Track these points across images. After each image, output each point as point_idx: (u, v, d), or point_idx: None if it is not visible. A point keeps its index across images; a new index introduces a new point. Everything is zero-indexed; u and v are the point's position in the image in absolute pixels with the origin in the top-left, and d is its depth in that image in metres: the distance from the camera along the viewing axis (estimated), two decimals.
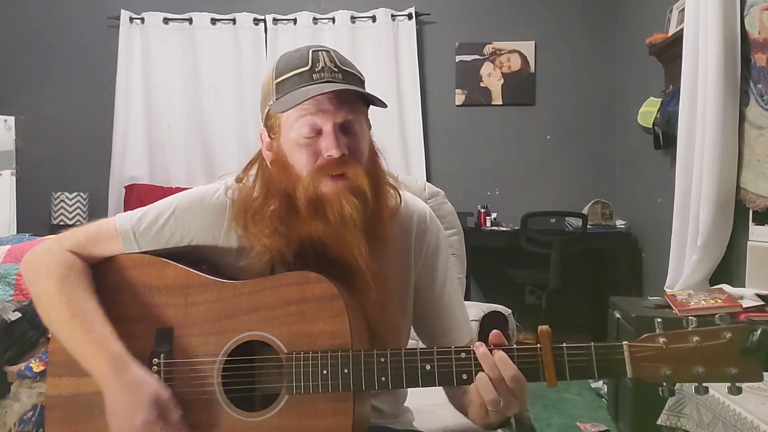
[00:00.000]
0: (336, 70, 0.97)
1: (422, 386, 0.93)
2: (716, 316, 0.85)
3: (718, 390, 1.62)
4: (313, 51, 0.98)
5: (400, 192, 1.09)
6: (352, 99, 0.98)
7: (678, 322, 0.88)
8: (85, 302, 1.01)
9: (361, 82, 1.01)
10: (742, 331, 0.83)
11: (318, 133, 0.97)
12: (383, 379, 0.92)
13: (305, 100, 0.94)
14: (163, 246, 1.08)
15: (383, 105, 0.99)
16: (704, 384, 0.86)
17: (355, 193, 0.96)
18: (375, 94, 0.99)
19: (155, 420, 0.94)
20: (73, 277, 1.04)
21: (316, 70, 0.96)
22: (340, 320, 0.95)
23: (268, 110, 1.01)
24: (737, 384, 0.84)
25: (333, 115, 0.96)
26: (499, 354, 0.90)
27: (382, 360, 0.92)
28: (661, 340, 0.86)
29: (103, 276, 1.07)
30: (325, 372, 0.93)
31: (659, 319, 0.87)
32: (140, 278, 1.06)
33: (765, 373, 0.84)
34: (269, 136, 1.03)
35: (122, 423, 0.95)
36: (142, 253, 1.07)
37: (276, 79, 0.99)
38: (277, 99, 0.98)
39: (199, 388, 0.99)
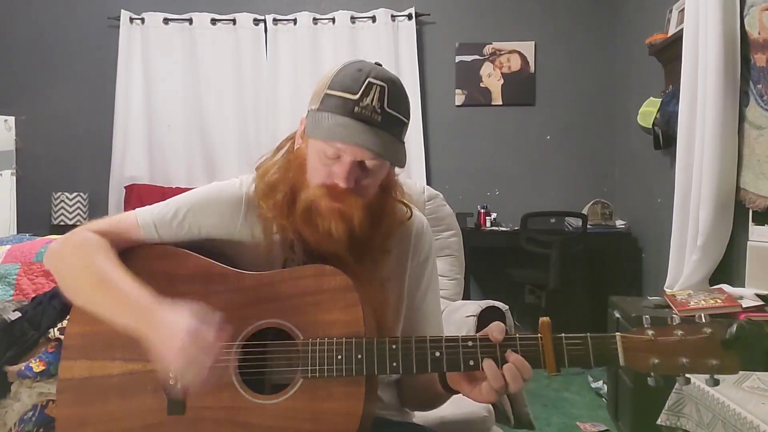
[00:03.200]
0: (379, 111, 0.98)
1: (431, 372, 0.98)
2: (696, 315, 0.94)
3: (718, 390, 1.62)
4: (369, 81, 0.99)
5: (412, 209, 1.16)
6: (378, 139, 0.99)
7: (663, 321, 0.96)
8: (110, 268, 1.05)
9: (402, 125, 1.02)
10: (720, 326, 0.92)
11: (338, 157, 1.00)
12: (394, 364, 0.97)
13: (330, 141, 0.98)
14: (181, 237, 1.12)
15: (401, 165, 1.02)
16: (687, 375, 0.93)
17: (345, 220, 1.02)
18: (401, 154, 1.01)
19: (204, 348, 0.94)
20: (98, 248, 1.08)
21: (361, 104, 0.98)
22: (354, 310, 1.00)
23: (309, 111, 1.04)
24: (716, 376, 0.91)
25: (354, 153, 0.99)
26: (507, 366, 0.94)
27: (394, 347, 0.97)
28: (650, 332, 0.94)
29: (126, 265, 1.09)
30: (339, 357, 0.98)
31: (647, 316, 0.97)
32: (162, 268, 1.10)
33: (759, 370, 0.89)
34: (304, 129, 1.06)
35: (177, 361, 0.94)
36: (163, 244, 1.12)
37: (328, 88, 1.01)
38: (318, 109, 1.01)
39: (216, 372, 1.01)
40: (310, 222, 1.03)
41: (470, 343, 0.96)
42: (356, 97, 0.98)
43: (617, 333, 0.94)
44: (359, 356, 0.97)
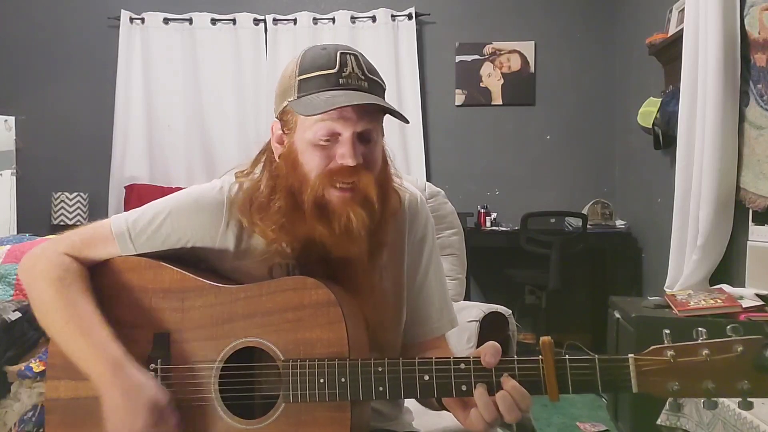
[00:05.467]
0: (363, 77, 0.96)
1: (421, 397, 0.92)
2: (728, 327, 0.82)
3: None
4: (341, 53, 0.96)
5: (401, 195, 1.09)
6: (372, 108, 0.96)
7: (686, 327, 0.85)
8: (81, 305, 1.00)
9: (383, 90, 1.00)
10: (754, 344, 0.79)
11: (335, 137, 0.95)
12: (380, 389, 0.90)
13: (332, 110, 0.92)
14: (159, 248, 1.07)
15: (406, 121, 0.97)
16: (713, 399, 0.83)
17: (363, 204, 0.96)
18: (401, 112, 0.97)
19: (154, 425, 0.93)
20: (69, 279, 1.02)
21: (344, 75, 0.95)
22: (337, 327, 0.94)
23: (286, 105, 0.99)
24: (749, 399, 0.80)
25: (354, 124, 0.94)
26: (502, 394, 0.86)
27: (380, 369, 0.91)
28: (669, 353, 0.82)
29: (100, 280, 1.06)
30: (322, 380, 0.92)
31: (667, 331, 0.84)
32: (137, 282, 1.05)
33: None
34: (282, 130, 1.02)
35: (120, 428, 0.94)
36: (138, 255, 1.07)
37: (300, 75, 0.97)
38: (298, 97, 0.96)
39: (196, 394, 0.99)
40: (322, 220, 0.96)
41: (462, 366, 0.88)
42: (336, 69, 0.95)
43: (630, 355, 0.83)
44: (342, 380, 0.91)
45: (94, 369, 0.97)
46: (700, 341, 0.82)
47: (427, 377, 0.89)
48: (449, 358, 0.91)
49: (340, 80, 0.94)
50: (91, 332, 0.98)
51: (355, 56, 0.97)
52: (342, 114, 0.94)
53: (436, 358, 0.91)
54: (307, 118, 0.95)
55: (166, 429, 0.95)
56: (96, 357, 0.96)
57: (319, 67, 0.96)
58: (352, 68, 0.95)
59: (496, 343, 0.89)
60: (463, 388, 0.88)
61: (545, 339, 0.86)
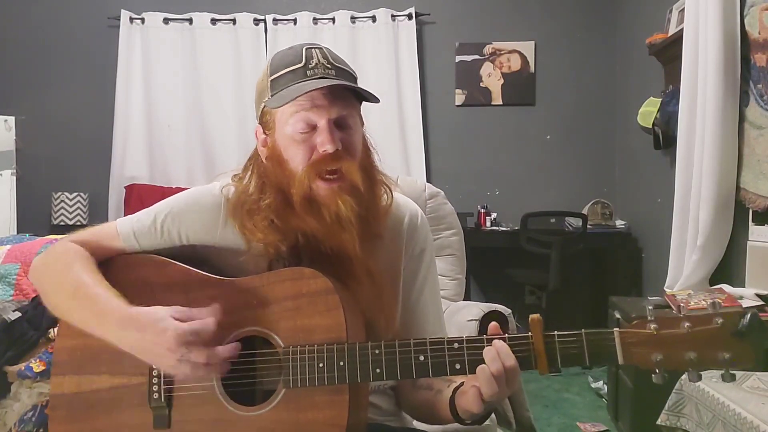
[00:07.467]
0: (329, 66, 1.00)
1: (416, 377, 0.95)
2: (708, 303, 0.86)
3: (718, 390, 1.62)
4: (306, 48, 1.01)
5: (392, 189, 1.11)
6: (345, 95, 1.00)
7: (670, 313, 0.87)
8: (86, 274, 1.03)
9: (353, 78, 1.03)
10: (733, 315, 0.84)
11: (312, 128, 0.99)
12: (378, 370, 0.93)
13: (301, 95, 0.96)
14: (162, 245, 1.10)
15: (376, 100, 1.01)
16: (698, 371, 0.86)
17: (349, 192, 0.99)
18: (368, 89, 1.01)
19: (187, 347, 0.90)
20: (76, 257, 1.06)
21: (310, 66, 0.99)
22: (335, 314, 0.96)
23: (264, 107, 1.04)
24: (731, 371, 0.84)
25: (327, 111, 0.98)
26: (487, 348, 0.91)
27: (377, 352, 0.94)
28: (652, 326, 0.86)
29: (105, 276, 1.08)
30: (321, 365, 0.94)
31: (650, 307, 0.88)
32: (141, 277, 1.08)
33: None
34: (264, 133, 1.06)
35: (161, 361, 0.93)
36: (143, 253, 1.10)
37: (270, 76, 1.02)
38: (272, 95, 1.01)
39: (198, 383, 1.00)
40: (312, 213, 0.99)
41: (456, 345, 0.92)
42: (302, 63, 0.99)
43: (615, 329, 0.88)
44: (341, 363, 0.93)
45: (104, 329, 0.97)
46: (681, 315, 0.86)
47: (422, 357, 0.93)
48: (443, 338, 0.94)
49: (308, 72, 0.99)
50: (98, 296, 0.99)
51: (320, 49, 1.02)
52: (314, 103, 0.98)
53: (430, 339, 0.94)
54: (283, 113, 1.00)
55: (204, 352, 0.91)
56: (102, 316, 0.97)
57: (286, 64, 1.01)
58: (318, 60, 1.00)
59: (497, 323, 0.95)
60: (457, 366, 0.92)
61: (534, 316, 0.90)
